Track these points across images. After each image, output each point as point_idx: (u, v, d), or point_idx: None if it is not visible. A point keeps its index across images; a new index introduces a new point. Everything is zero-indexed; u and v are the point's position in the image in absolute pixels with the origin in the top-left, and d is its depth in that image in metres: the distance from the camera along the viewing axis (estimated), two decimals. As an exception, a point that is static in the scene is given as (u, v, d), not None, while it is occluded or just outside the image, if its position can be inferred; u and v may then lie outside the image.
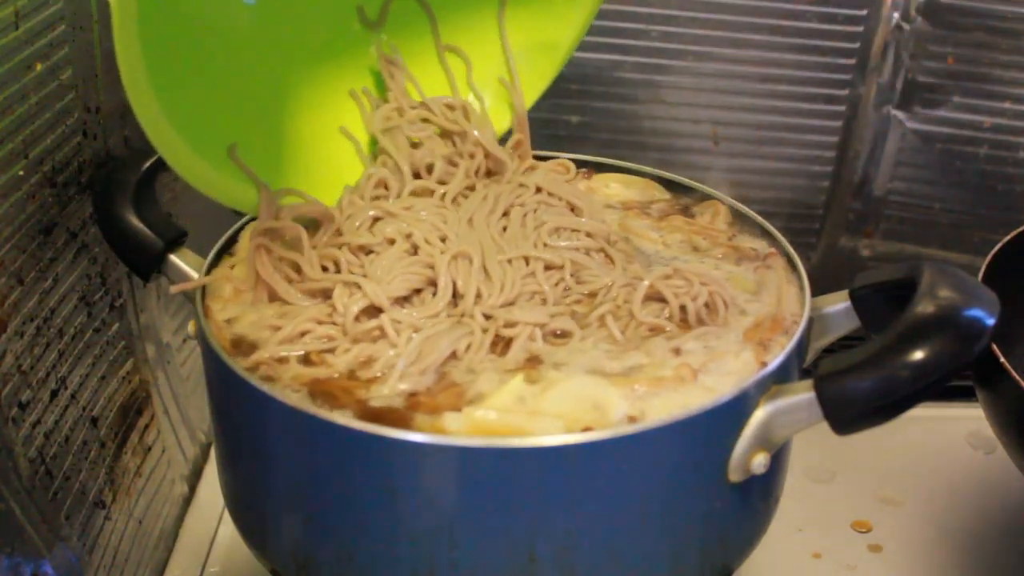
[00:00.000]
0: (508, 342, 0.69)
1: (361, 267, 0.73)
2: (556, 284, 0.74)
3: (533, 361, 0.68)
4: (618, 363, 0.67)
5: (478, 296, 0.72)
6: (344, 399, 0.64)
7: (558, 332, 0.70)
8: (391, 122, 0.84)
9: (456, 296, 0.72)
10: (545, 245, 0.76)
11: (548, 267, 0.75)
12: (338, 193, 0.80)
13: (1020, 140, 1.13)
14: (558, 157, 0.92)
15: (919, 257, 1.21)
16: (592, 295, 0.74)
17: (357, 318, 0.69)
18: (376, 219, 0.77)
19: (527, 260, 0.74)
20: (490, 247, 0.75)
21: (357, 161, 0.83)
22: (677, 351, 0.68)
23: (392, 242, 0.74)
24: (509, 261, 0.74)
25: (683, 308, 0.71)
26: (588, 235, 0.78)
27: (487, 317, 0.70)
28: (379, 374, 0.66)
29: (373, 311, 0.70)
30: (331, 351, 0.68)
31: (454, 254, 0.73)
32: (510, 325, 0.69)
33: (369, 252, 0.74)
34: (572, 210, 0.81)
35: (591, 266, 0.75)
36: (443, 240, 0.75)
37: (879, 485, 0.99)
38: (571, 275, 0.75)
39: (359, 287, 0.71)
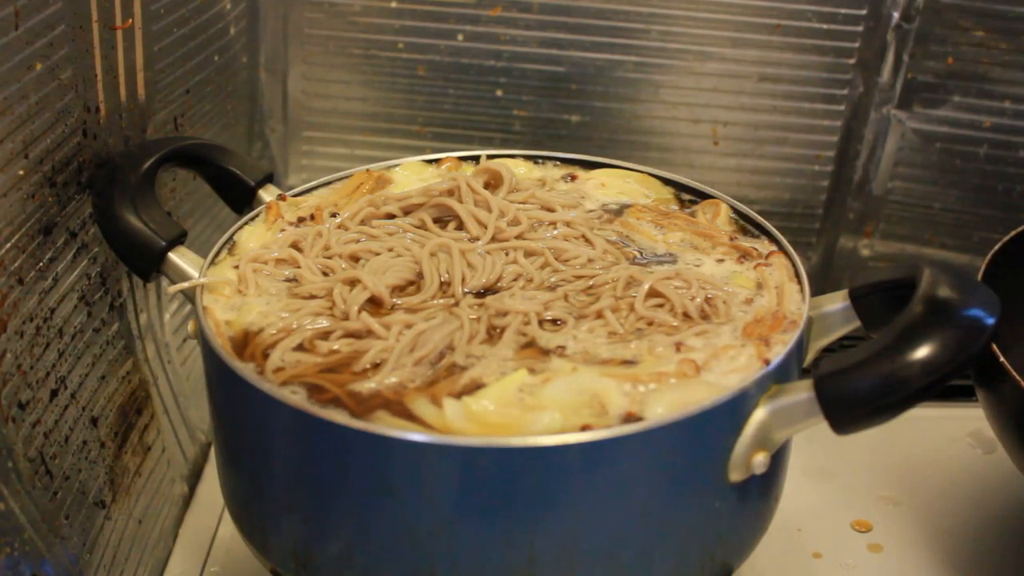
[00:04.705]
0: (503, 331, 0.70)
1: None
2: (541, 267, 0.76)
3: (532, 348, 0.68)
4: (618, 353, 0.68)
5: (464, 281, 0.74)
6: (334, 390, 0.64)
7: (552, 320, 0.71)
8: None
9: (444, 285, 0.75)
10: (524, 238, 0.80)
11: (529, 253, 0.78)
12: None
13: (1020, 140, 1.13)
14: (557, 157, 0.92)
15: (919, 257, 1.21)
16: (584, 278, 0.75)
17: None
18: (360, 239, 0.80)
19: (506, 251, 0.78)
20: (469, 245, 0.78)
21: None
22: (679, 346, 0.68)
23: (377, 255, 0.77)
24: (488, 252, 0.77)
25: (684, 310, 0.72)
26: (567, 224, 0.81)
27: (480, 305, 0.72)
28: (368, 366, 0.67)
29: (370, 308, 0.72)
30: (324, 336, 0.69)
31: (432, 248, 0.76)
32: (501, 314, 0.70)
33: (358, 259, 0.77)
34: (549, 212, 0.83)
35: (570, 248, 0.78)
36: (422, 248, 0.78)
37: (879, 485, 0.99)
38: (555, 259, 0.77)
39: (359, 281, 0.73)
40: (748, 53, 1.12)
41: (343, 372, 0.66)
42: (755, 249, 0.79)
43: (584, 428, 0.61)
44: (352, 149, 1.20)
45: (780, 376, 0.66)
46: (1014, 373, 0.76)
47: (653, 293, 0.73)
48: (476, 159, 0.90)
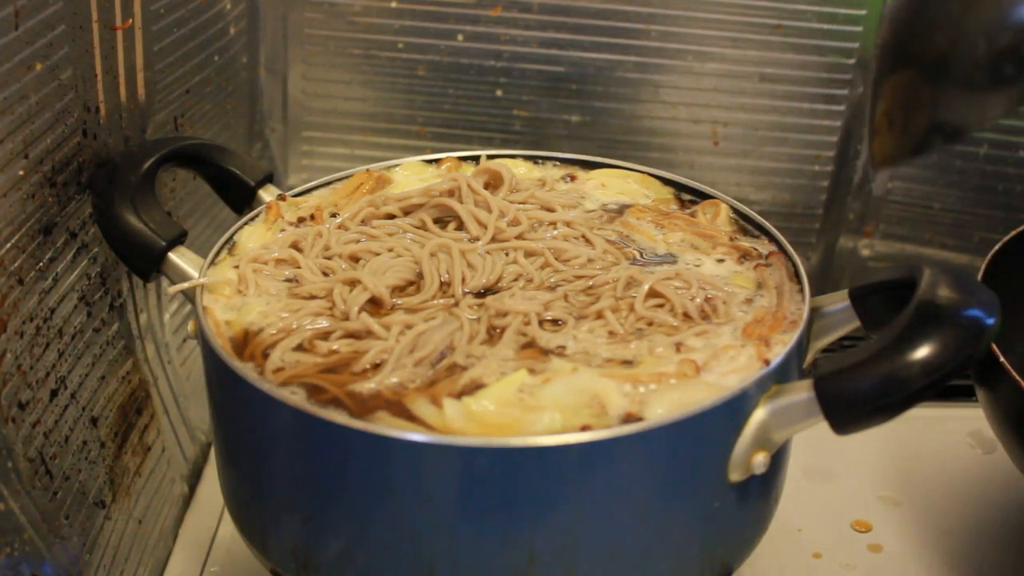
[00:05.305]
0: (503, 331, 0.70)
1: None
2: (541, 268, 0.76)
3: (532, 348, 0.68)
4: (618, 354, 0.68)
5: (464, 281, 0.74)
6: (333, 391, 0.65)
7: (552, 320, 0.71)
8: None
9: (444, 285, 0.75)
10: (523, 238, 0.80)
11: (529, 253, 0.78)
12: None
13: (1020, 140, 1.13)
14: (557, 157, 0.92)
15: (919, 257, 1.21)
16: (584, 278, 0.75)
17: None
18: (360, 239, 0.80)
19: (506, 252, 0.78)
20: (469, 245, 0.78)
21: None
22: (679, 346, 0.68)
23: (377, 255, 0.77)
24: (488, 252, 0.77)
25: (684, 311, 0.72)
26: (567, 224, 0.81)
27: (480, 305, 0.72)
28: (368, 367, 0.67)
29: (370, 308, 0.72)
30: (324, 337, 0.69)
31: (432, 248, 0.77)
32: (501, 314, 0.70)
33: (358, 260, 0.77)
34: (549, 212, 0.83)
35: (570, 248, 0.78)
36: (422, 248, 0.78)
37: (879, 485, 0.99)
38: (555, 259, 0.77)
39: (359, 281, 0.73)
40: (748, 53, 1.12)
41: (343, 372, 0.66)
42: (755, 249, 0.79)
43: (584, 428, 0.61)
44: (352, 149, 1.20)
45: (780, 376, 0.66)
46: (1014, 373, 0.76)
47: (653, 293, 0.73)
48: (476, 159, 0.91)
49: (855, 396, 0.61)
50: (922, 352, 0.60)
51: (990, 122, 0.64)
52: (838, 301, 0.74)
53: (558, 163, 0.92)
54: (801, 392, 0.64)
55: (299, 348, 0.69)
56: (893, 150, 0.68)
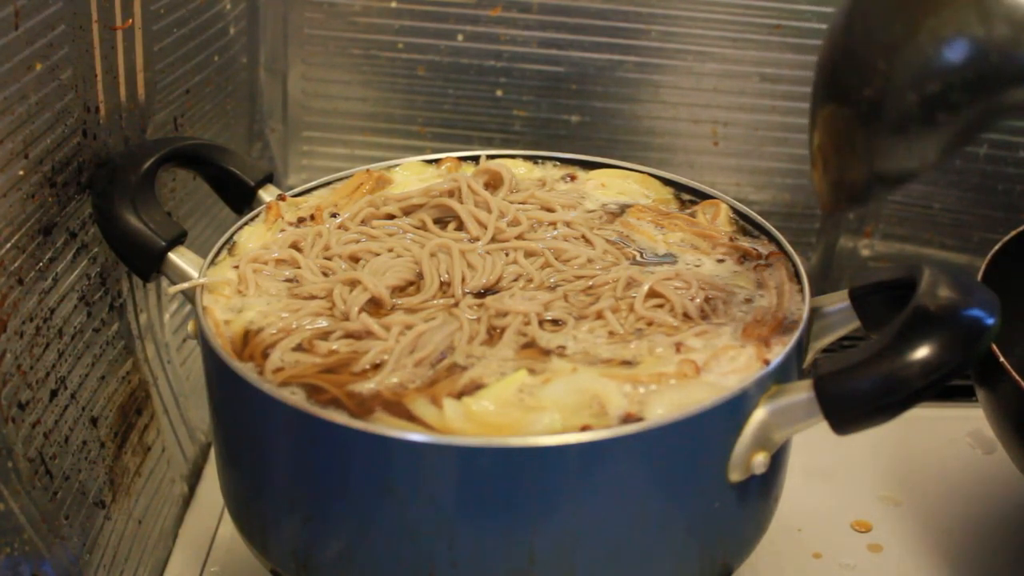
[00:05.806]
0: (503, 332, 0.70)
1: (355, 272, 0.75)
2: (541, 268, 0.77)
3: (532, 348, 0.68)
4: (618, 354, 0.68)
5: (464, 282, 0.75)
6: (333, 391, 0.65)
7: (552, 320, 0.71)
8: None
9: (444, 285, 0.75)
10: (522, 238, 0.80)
11: (529, 254, 0.78)
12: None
13: (1020, 140, 1.13)
14: (557, 157, 0.92)
15: (919, 257, 1.21)
16: (584, 278, 0.75)
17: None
18: (360, 239, 0.80)
19: (506, 252, 0.78)
20: (469, 245, 0.78)
21: None
22: (679, 346, 0.68)
23: (377, 255, 0.77)
24: (488, 252, 0.78)
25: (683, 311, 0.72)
26: (566, 225, 0.81)
27: (480, 306, 0.72)
28: (368, 367, 0.67)
29: (370, 309, 0.72)
30: (324, 337, 0.69)
31: (432, 249, 0.77)
32: (501, 314, 0.70)
33: (358, 260, 0.77)
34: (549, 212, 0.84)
35: (570, 248, 0.78)
36: (422, 248, 0.78)
37: (879, 485, 0.99)
38: (555, 259, 0.77)
39: (359, 281, 0.73)
40: (748, 53, 1.12)
41: (343, 373, 0.66)
42: (755, 249, 0.79)
43: (584, 428, 0.61)
44: (352, 149, 1.20)
45: (780, 376, 0.66)
46: (1014, 373, 0.76)
47: (653, 293, 0.73)
48: (476, 159, 0.91)
49: (855, 396, 0.61)
50: (922, 352, 0.60)
51: (931, 168, 0.64)
52: (838, 301, 0.74)
53: (558, 163, 0.92)
54: (801, 392, 0.64)
55: (299, 348, 0.69)
56: (832, 199, 0.67)
